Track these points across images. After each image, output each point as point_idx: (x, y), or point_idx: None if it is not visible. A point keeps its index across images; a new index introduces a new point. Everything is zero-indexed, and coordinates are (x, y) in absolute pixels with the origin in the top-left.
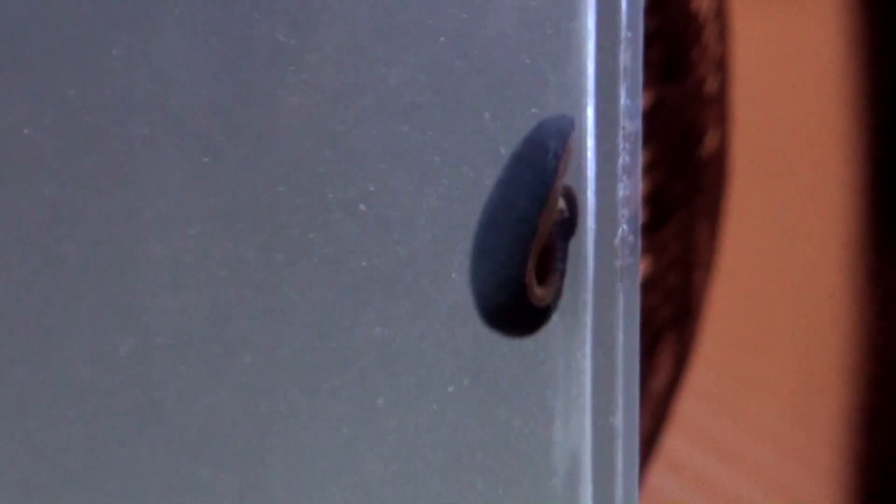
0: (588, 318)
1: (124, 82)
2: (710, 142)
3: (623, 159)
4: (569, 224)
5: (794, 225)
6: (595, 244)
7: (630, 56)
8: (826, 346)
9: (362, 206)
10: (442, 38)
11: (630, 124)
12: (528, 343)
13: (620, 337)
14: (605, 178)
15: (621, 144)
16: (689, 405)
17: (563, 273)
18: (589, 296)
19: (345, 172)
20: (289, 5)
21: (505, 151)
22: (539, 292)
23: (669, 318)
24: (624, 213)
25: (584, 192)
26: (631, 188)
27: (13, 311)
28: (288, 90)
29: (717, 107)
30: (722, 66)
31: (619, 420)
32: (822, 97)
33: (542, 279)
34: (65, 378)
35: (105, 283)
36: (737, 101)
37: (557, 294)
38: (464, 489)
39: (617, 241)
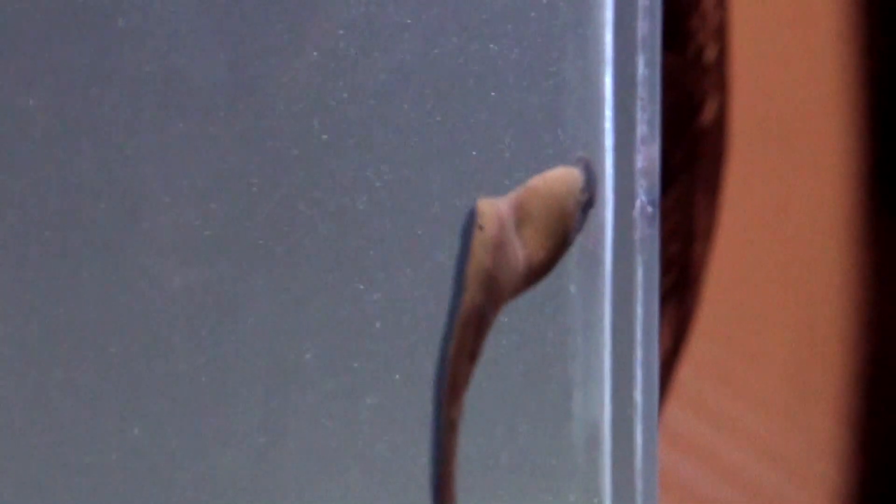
0: (607, 291)
1: (131, 74)
2: (708, 110)
3: (641, 129)
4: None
5: (793, 193)
6: (613, 216)
7: (647, 25)
8: (826, 316)
9: (367, 202)
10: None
11: (647, 94)
12: (546, 316)
13: (640, 310)
14: (623, 149)
15: (639, 114)
16: (687, 374)
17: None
18: (608, 268)
19: (351, 172)
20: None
21: (518, 125)
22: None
23: (669, 288)
24: (642, 183)
25: (602, 163)
26: (648, 159)
27: (17, 310)
28: (289, 89)
29: (716, 75)
30: (721, 33)
31: (638, 393)
32: (821, 64)
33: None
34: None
35: (107, 279)
36: (735, 69)
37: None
38: (482, 460)
39: (635, 212)
